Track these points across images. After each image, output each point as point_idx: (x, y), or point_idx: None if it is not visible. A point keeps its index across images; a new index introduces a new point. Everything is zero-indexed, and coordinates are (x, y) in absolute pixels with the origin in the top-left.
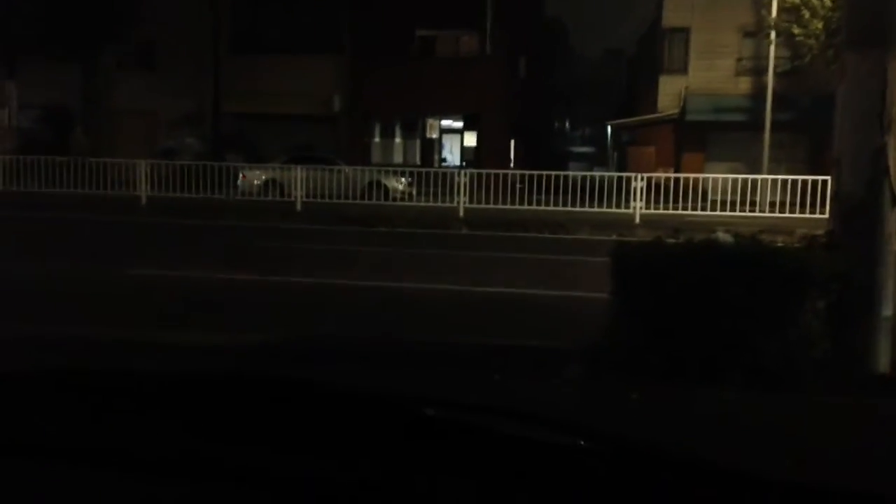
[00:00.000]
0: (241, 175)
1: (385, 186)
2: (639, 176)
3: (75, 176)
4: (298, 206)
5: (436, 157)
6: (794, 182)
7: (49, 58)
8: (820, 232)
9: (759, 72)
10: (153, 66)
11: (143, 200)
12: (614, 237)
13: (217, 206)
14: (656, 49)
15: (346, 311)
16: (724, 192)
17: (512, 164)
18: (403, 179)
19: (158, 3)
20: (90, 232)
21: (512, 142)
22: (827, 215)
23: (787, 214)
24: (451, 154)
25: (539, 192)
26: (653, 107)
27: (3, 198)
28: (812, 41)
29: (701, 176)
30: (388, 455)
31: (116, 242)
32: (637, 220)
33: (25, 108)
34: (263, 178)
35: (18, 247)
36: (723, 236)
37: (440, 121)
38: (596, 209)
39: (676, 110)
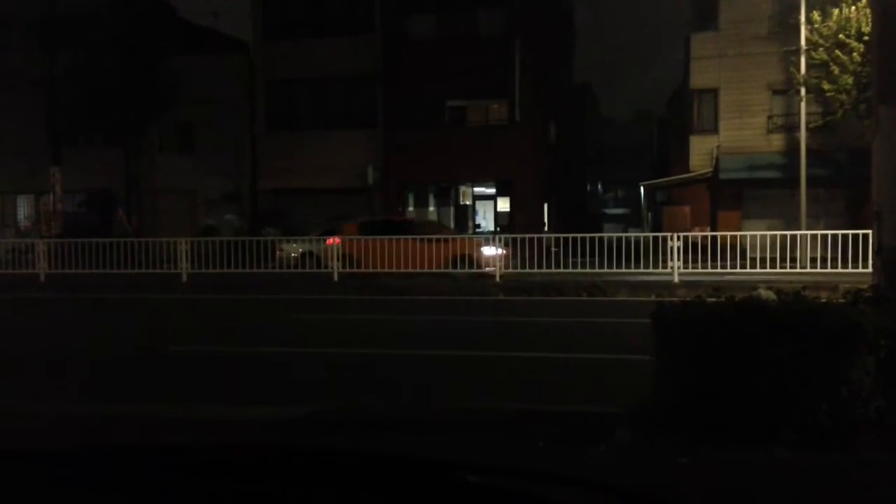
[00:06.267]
0: (279, 249)
1: None
2: (675, 235)
3: (118, 256)
4: (335, 277)
5: (470, 223)
6: (835, 237)
7: (92, 142)
8: (864, 286)
9: (791, 128)
10: (192, 146)
11: (185, 278)
12: (653, 298)
13: (255, 280)
14: (686, 110)
15: (390, 379)
16: (763, 249)
17: (546, 228)
18: None
19: (196, 85)
20: (131, 310)
21: (545, 205)
22: (870, 269)
23: (828, 270)
24: (485, 220)
25: (574, 255)
26: (685, 166)
27: (49, 280)
28: (843, 96)
29: (739, 234)
30: None
31: (155, 319)
32: (675, 279)
33: (70, 191)
34: (300, 250)
35: (66, 327)
36: (765, 294)
37: (473, 187)
38: (633, 270)
39: (709, 169)
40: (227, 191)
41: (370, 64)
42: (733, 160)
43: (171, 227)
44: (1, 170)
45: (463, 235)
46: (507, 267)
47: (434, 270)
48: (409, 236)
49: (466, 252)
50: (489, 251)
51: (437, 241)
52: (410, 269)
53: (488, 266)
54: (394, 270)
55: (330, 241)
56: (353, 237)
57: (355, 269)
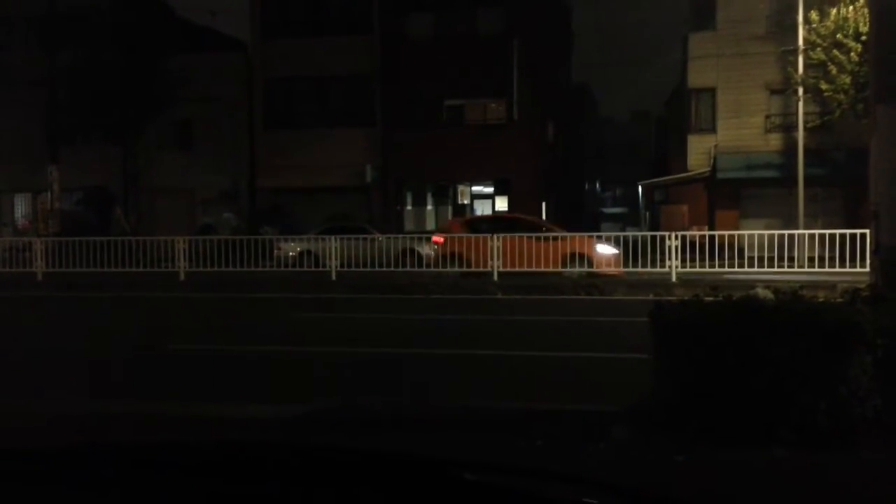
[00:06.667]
0: (276, 248)
1: (418, 253)
2: (673, 234)
3: (116, 255)
4: (333, 276)
5: None
6: (832, 236)
7: (90, 141)
8: (861, 286)
9: (788, 128)
10: (190, 145)
11: (182, 276)
12: (651, 297)
13: (253, 278)
14: (683, 109)
15: (389, 377)
16: (761, 248)
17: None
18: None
19: (194, 84)
20: (129, 309)
21: (543, 204)
22: (867, 269)
23: (826, 269)
24: None
25: None
26: (683, 166)
27: (47, 279)
28: (841, 96)
29: (736, 233)
30: None
31: (153, 318)
32: (674, 278)
33: (67, 190)
34: (298, 249)
35: (63, 325)
36: (763, 293)
37: (471, 186)
38: (631, 269)
39: (707, 169)
40: (225, 189)
41: (368, 63)
42: (731, 159)
43: (168, 225)
44: None
45: (576, 234)
46: (617, 265)
47: (547, 269)
48: (522, 234)
49: (581, 251)
50: (604, 250)
51: (551, 238)
52: (524, 269)
53: (603, 266)
54: (509, 270)
55: (435, 238)
56: (461, 235)
57: (461, 269)
